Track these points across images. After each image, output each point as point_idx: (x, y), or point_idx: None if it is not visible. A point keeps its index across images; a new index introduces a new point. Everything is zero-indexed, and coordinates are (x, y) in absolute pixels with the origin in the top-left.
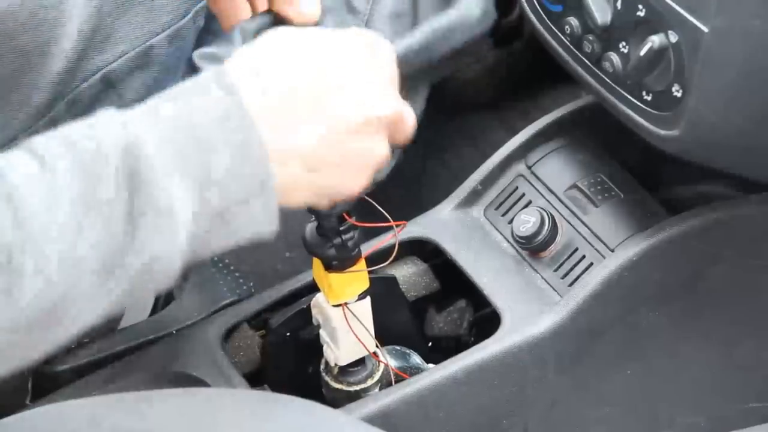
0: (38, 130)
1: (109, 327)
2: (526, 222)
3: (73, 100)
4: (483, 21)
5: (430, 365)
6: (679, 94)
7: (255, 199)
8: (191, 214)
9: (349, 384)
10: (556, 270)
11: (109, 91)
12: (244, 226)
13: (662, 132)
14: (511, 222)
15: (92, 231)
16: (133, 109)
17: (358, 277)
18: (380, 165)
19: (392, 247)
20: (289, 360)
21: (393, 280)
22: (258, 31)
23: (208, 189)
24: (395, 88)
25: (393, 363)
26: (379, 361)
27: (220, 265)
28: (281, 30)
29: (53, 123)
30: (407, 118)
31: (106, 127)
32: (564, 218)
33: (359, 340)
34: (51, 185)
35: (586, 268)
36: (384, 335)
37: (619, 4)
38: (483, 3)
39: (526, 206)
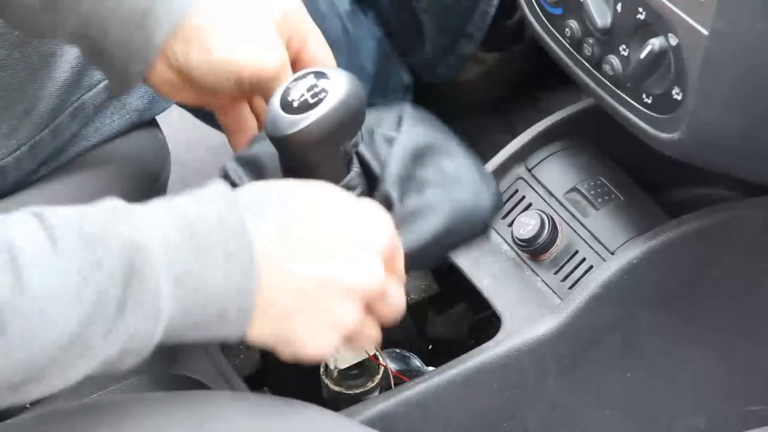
0: (43, 138)
1: None
2: (526, 225)
3: (77, 110)
4: (489, 215)
5: (430, 368)
6: (679, 97)
7: (228, 322)
8: (174, 316)
9: (349, 387)
10: (556, 273)
11: (112, 100)
12: (214, 333)
13: (662, 135)
14: (511, 225)
15: (81, 310)
16: (145, 205)
17: None
18: (348, 332)
19: None
20: (288, 363)
21: None
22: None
23: (195, 304)
24: (383, 262)
25: (393, 366)
26: (379, 364)
27: None
28: (294, 183)
29: (57, 131)
30: (392, 297)
31: (113, 217)
32: (564, 221)
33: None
34: (53, 260)
35: (587, 271)
36: (384, 338)
37: (619, 7)
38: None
39: (526, 209)
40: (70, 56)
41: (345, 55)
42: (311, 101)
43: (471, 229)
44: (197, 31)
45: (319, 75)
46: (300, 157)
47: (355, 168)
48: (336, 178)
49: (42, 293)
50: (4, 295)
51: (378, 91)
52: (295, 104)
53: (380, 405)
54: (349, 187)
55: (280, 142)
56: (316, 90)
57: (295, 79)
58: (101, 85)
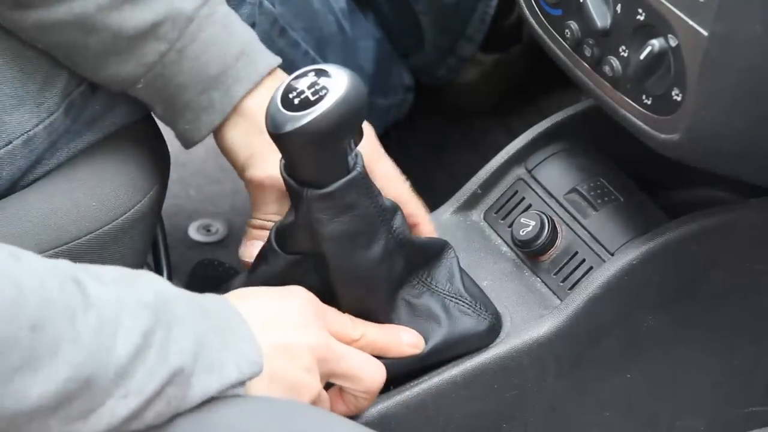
0: (37, 134)
1: None
2: (526, 226)
3: (69, 105)
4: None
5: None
6: (678, 98)
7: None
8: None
9: None
10: (555, 274)
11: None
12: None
13: (662, 136)
14: (510, 226)
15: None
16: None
17: None
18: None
19: None
20: None
21: None
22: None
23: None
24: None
25: None
26: None
27: (227, 265)
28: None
29: (52, 127)
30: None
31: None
32: (564, 222)
33: None
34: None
35: (586, 272)
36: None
37: (618, 8)
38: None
39: (525, 210)
40: None
41: (341, 53)
42: (312, 98)
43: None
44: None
45: (320, 73)
46: (300, 154)
47: (358, 167)
48: (336, 175)
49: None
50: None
51: (378, 91)
52: (296, 101)
53: (380, 406)
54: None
55: (280, 139)
56: (317, 87)
57: (297, 77)
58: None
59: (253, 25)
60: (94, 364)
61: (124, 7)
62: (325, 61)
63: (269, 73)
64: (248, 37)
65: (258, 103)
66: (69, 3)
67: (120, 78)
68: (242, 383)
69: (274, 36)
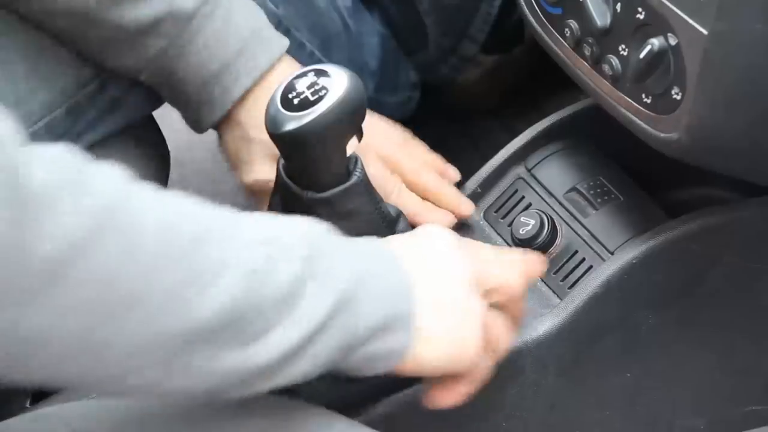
0: (36, 132)
1: None
2: (526, 224)
3: (72, 106)
4: None
5: None
6: (678, 97)
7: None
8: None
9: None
10: (555, 273)
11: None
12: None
13: (662, 135)
14: (510, 225)
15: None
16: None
17: None
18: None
19: None
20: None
21: None
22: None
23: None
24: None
25: None
26: None
27: None
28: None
29: (51, 126)
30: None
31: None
32: (564, 221)
33: None
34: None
35: (586, 271)
36: None
37: (618, 7)
38: None
39: (525, 209)
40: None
41: (346, 50)
42: (312, 98)
43: None
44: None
45: (320, 73)
46: (300, 155)
47: (357, 173)
48: (336, 176)
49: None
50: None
51: (386, 88)
52: (296, 101)
53: (381, 405)
54: (352, 193)
55: (280, 139)
56: (317, 87)
57: (296, 77)
58: (96, 81)
59: None
60: (254, 292)
61: (123, 3)
62: (331, 60)
63: (271, 68)
64: (248, 32)
65: (253, 104)
66: None
67: (124, 68)
68: (406, 312)
69: None
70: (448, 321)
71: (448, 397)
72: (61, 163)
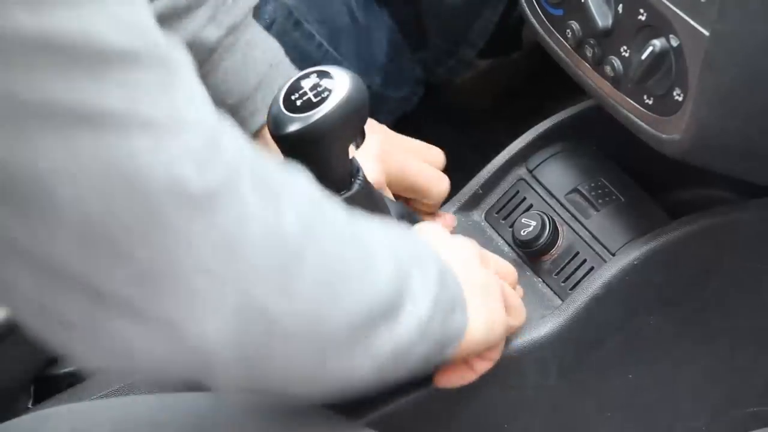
0: None
1: None
2: (527, 226)
3: None
4: None
5: None
6: (680, 98)
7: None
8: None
9: None
10: (557, 274)
11: None
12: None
13: (663, 136)
14: (512, 226)
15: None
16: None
17: None
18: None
19: None
20: None
21: None
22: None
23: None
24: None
25: None
26: None
27: None
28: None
29: None
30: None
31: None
32: (565, 222)
33: None
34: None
35: (587, 272)
36: None
37: (620, 8)
38: None
39: (527, 210)
40: None
41: (353, 43)
42: (314, 100)
43: None
44: None
45: (323, 74)
46: (302, 156)
47: (359, 181)
48: (339, 178)
49: None
50: None
51: (392, 82)
52: (298, 103)
53: (381, 407)
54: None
55: (283, 140)
56: (320, 89)
57: (299, 78)
58: None
59: (273, 21)
60: (395, 266)
61: None
62: (339, 52)
63: None
64: (266, 67)
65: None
66: None
67: None
68: (459, 293)
69: (289, 28)
70: (481, 299)
71: (463, 375)
72: (266, 159)
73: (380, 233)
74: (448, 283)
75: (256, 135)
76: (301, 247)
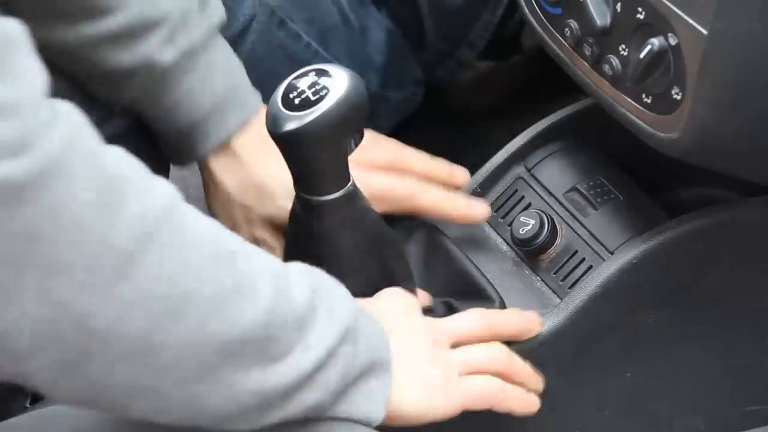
0: None
1: None
2: (526, 224)
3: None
4: None
5: None
6: (678, 97)
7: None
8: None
9: None
10: (555, 272)
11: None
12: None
13: (662, 134)
14: (510, 224)
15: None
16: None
17: None
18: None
19: None
20: None
21: None
22: None
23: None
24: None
25: None
26: None
27: None
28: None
29: None
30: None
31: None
32: (563, 221)
33: None
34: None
35: (586, 271)
36: None
37: (618, 7)
38: None
39: (525, 209)
40: None
41: (345, 43)
42: (313, 98)
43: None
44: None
45: (321, 73)
46: (300, 155)
47: (351, 184)
48: (337, 177)
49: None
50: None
51: (391, 84)
52: (297, 101)
53: None
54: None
55: (281, 139)
56: (318, 87)
57: (297, 76)
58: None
59: (253, 18)
60: (279, 310)
61: (103, 46)
62: (329, 52)
63: (240, 130)
64: (223, 90)
65: (223, 164)
66: (50, 29)
67: (108, 99)
68: (387, 358)
69: (272, 27)
70: (417, 371)
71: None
72: (126, 160)
73: (267, 266)
74: (358, 341)
75: (210, 156)
76: (133, 253)
